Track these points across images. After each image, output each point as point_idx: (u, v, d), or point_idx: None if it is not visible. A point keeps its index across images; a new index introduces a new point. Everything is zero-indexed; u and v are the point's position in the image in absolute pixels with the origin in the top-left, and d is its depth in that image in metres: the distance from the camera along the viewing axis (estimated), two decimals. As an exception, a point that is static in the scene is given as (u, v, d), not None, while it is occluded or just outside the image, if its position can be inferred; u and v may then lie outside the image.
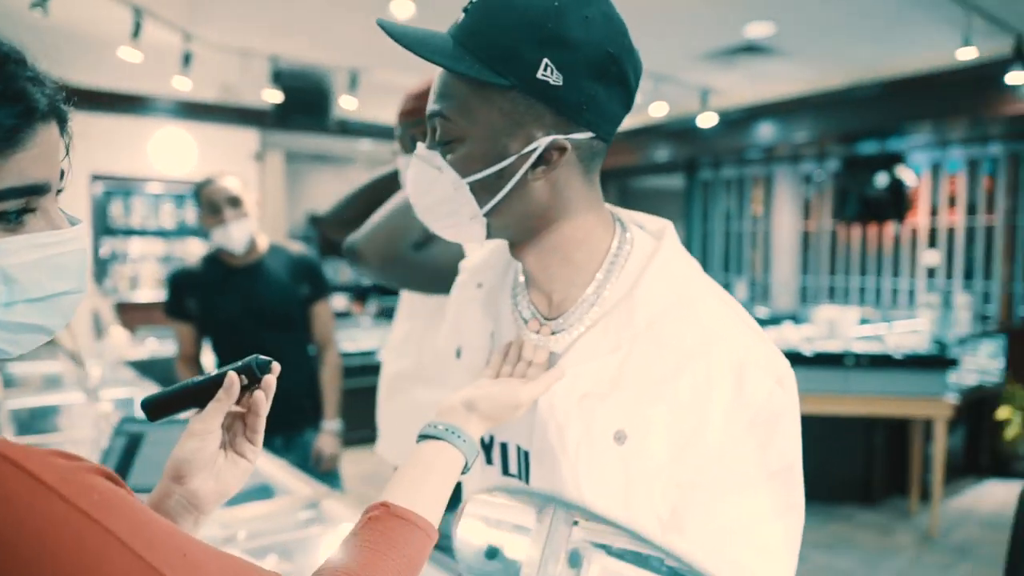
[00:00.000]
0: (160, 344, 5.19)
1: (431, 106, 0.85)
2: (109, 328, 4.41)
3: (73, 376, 2.68)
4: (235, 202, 2.51)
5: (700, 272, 0.93)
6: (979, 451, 5.25)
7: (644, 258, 0.92)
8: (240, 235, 2.52)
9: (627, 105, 0.86)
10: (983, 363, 5.46)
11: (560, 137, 0.82)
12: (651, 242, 0.94)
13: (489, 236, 0.90)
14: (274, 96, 5.75)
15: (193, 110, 7.02)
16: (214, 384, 0.75)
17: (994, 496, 4.87)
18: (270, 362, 0.78)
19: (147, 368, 4.08)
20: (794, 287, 8.30)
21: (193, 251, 7.69)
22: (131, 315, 6.65)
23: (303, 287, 2.68)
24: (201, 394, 0.76)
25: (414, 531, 0.74)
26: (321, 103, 6.62)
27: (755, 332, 0.88)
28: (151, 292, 7.48)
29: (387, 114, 7.40)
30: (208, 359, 2.85)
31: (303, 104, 6.52)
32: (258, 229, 2.63)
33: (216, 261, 2.63)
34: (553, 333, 0.93)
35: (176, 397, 0.78)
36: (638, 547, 0.85)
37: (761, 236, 8.57)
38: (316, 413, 2.71)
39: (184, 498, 0.74)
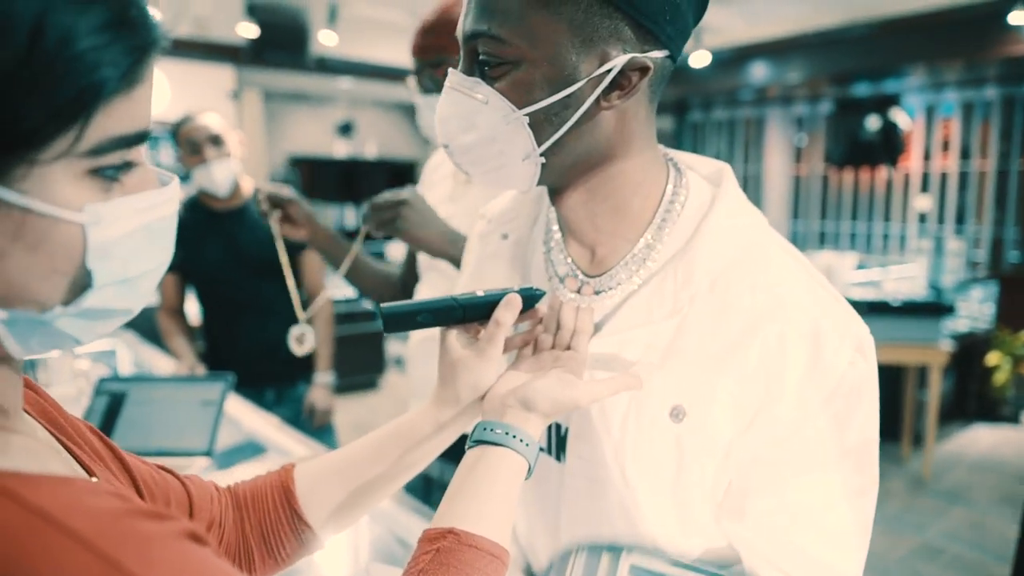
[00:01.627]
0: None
1: (470, 25, 0.71)
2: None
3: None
4: (217, 140, 2.32)
5: (765, 223, 0.82)
6: (967, 396, 5.28)
7: (701, 207, 0.80)
8: (223, 176, 2.34)
9: (699, 16, 0.74)
10: (974, 309, 5.45)
11: (639, 55, 0.69)
12: (708, 188, 0.82)
13: (540, 181, 0.77)
14: (249, 30, 5.48)
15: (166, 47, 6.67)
16: (481, 307, 0.76)
17: (982, 440, 4.91)
18: (544, 293, 0.79)
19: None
20: (785, 232, 8.23)
21: (169, 195, 7.41)
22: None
23: None
24: (452, 315, 0.76)
25: (491, 562, 0.63)
26: (298, 38, 6.33)
27: (830, 293, 0.78)
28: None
29: (369, 51, 7.13)
30: (192, 309, 2.72)
31: (279, 39, 6.23)
32: (242, 171, 2.47)
33: (198, 206, 2.47)
34: (596, 293, 0.81)
35: (419, 314, 0.75)
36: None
37: (752, 180, 8.46)
38: (308, 365, 2.58)
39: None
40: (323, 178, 8.92)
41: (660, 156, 0.82)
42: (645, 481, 0.78)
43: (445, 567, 0.60)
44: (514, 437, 0.72)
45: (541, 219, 0.91)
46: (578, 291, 0.82)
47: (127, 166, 0.48)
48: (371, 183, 8.93)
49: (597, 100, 0.71)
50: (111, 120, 0.45)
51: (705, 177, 0.85)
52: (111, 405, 1.76)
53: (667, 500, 0.78)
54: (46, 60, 0.42)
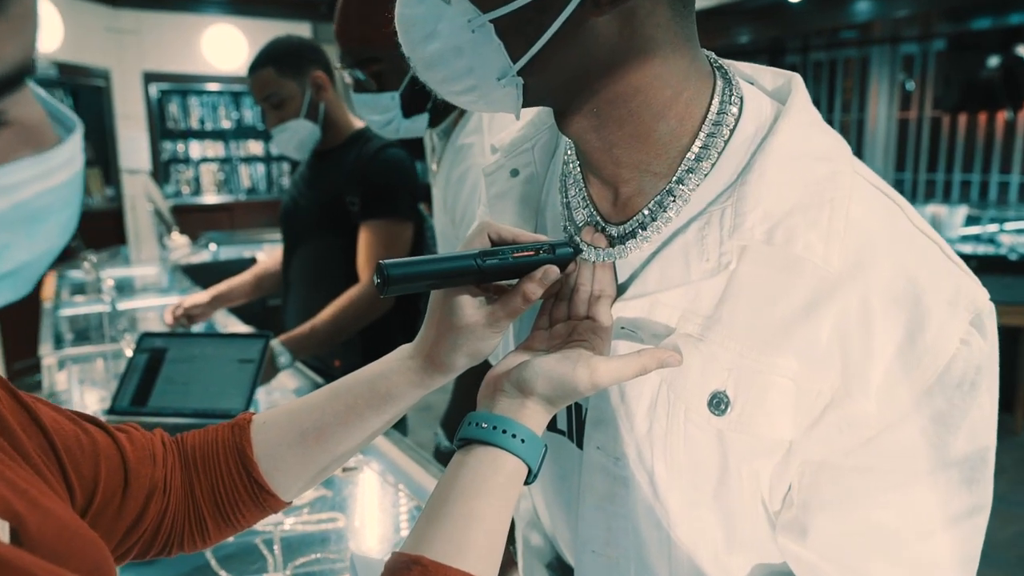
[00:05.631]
0: (222, 249, 5.10)
1: None
2: (171, 234, 4.33)
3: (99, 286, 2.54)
4: (274, 102, 1.91)
5: (846, 152, 0.62)
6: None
7: (760, 130, 0.61)
8: (285, 145, 1.97)
9: None
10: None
11: None
12: (770, 107, 0.63)
13: (526, 103, 0.60)
14: (324, -17, 5.39)
15: (244, 3, 6.73)
16: (505, 272, 0.61)
17: (1109, 413, 4.43)
18: (578, 251, 0.65)
19: (204, 272, 3.97)
20: (888, 184, 7.66)
21: (254, 152, 7.57)
22: (193, 218, 6.62)
23: (351, 197, 1.94)
24: (467, 279, 0.61)
25: None
26: (375, -9, 6.21)
27: (938, 246, 0.58)
28: (213, 196, 7.46)
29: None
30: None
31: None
32: (336, 115, 1.98)
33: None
34: (613, 244, 0.64)
35: (431, 277, 0.60)
36: None
37: (854, 127, 7.88)
38: (355, 350, 2.02)
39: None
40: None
41: (701, 65, 0.62)
42: (678, 484, 0.62)
43: None
44: (504, 432, 0.57)
45: (560, 151, 0.73)
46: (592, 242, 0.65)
47: None
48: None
49: (583, 2, 0.53)
50: None
51: (770, 93, 0.65)
52: (150, 362, 1.71)
53: (707, 509, 0.61)
54: None
